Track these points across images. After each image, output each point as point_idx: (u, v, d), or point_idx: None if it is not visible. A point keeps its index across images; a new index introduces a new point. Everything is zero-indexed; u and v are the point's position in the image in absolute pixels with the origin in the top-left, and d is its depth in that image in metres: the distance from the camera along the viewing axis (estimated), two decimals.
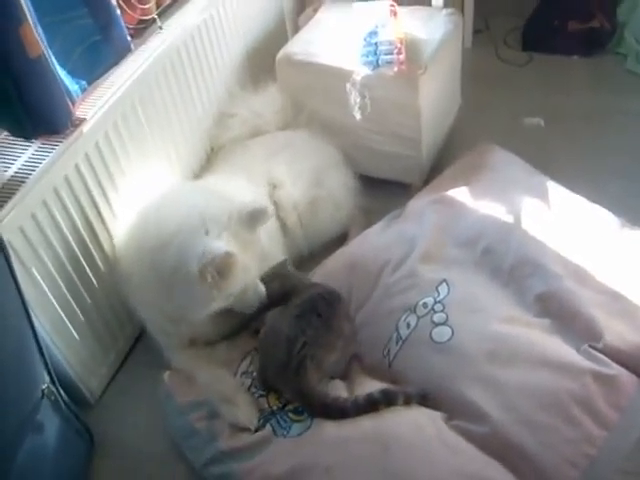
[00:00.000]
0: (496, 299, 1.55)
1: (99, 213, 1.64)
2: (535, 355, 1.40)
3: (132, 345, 1.83)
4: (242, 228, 1.52)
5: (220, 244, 1.44)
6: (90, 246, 1.63)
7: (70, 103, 1.39)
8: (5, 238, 1.34)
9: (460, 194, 1.79)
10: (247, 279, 1.52)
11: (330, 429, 1.35)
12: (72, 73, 1.45)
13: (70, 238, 1.56)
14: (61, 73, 1.38)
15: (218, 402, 1.48)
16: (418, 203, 1.86)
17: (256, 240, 1.58)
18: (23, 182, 1.42)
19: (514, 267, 1.58)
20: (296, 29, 2.40)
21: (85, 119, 1.52)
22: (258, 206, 1.55)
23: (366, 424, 1.34)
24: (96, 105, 1.57)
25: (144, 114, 1.74)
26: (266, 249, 1.68)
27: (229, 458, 1.40)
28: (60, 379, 1.53)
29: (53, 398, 1.44)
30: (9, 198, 1.38)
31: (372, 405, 1.34)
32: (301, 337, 1.40)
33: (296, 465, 1.32)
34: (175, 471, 1.53)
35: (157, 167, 1.83)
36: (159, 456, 1.58)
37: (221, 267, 1.42)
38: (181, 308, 1.51)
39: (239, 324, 1.64)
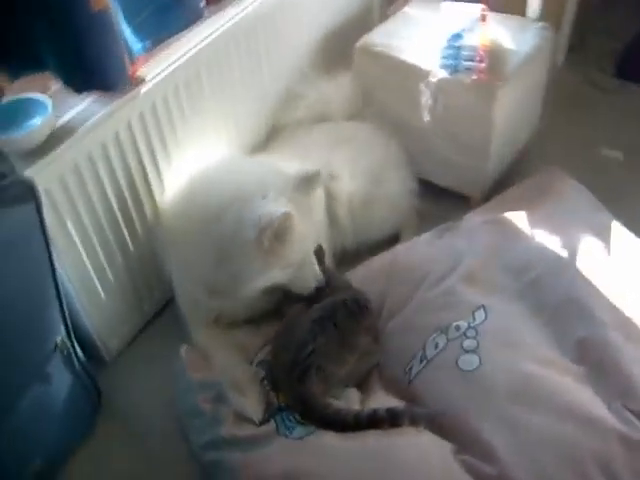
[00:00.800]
0: (534, 336, 1.46)
1: (145, 176, 1.62)
2: (563, 404, 1.31)
3: (157, 312, 1.81)
4: (299, 194, 1.49)
5: (278, 206, 1.41)
6: (131, 208, 1.62)
7: (129, 62, 1.37)
8: (44, 186, 1.34)
9: (518, 218, 1.70)
10: (304, 250, 1.50)
11: (332, 439, 1.29)
12: (137, 32, 1.42)
13: (111, 197, 1.54)
14: (125, 31, 1.35)
15: (228, 387, 1.44)
16: (474, 219, 1.78)
17: (312, 209, 1.56)
18: (73, 133, 1.40)
19: (559, 305, 1.49)
20: (383, 19, 2.31)
21: (144, 80, 1.49)
22: (312, 170, 1.54)
23: (370, 441, 1.28)
24: (159, 67, 1.54)
25: (208, 83, 1.70)
26: None
27: (227, 446, 1.36)
28: (79, 334, 1.54)
29: (66, 352, 1.43)
30: (56, 146, 1.37)
31: (375, 422, 1.28)
32: (311, 344, 1.35)
33: (292, 469, 1.27)
34: (176, 448, 1.51)
35: (213, 139, 1.80)
36: (163, 430, 1.56)
37: (279, 230, 1.39)
38: (233, 279, 1.46)
39: (270, 308, 1.60)
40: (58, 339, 1.40)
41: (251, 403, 1.40)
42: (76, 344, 1.49)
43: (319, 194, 1.74)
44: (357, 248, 1.91)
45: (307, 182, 1.53)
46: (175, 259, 1.60)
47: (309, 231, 1.51)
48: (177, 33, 1.55)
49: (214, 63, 1.70)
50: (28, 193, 1.18)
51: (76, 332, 1.51)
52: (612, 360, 1.37)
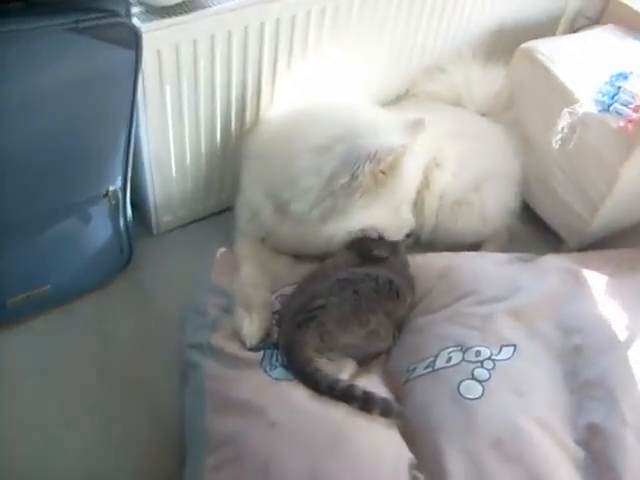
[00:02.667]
0: (549, 398, 1.37)
1: (259, 82, 1.61)
2: (541, 475, 1.23)
3: (217, 212, 1.84)
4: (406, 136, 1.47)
5: (394, 140, 1.42)
6: (233, 106, 1.61)
7: None
8: (157, 47, 1.36)
9: (597, 280, 1.58)
10: (406, 190, 1.52)
11: (303, 396, 1.27)
12: None
13: (217, 86, 1.54)
14: None
15: (238, 303, 1.44)
16: (553, 262, 1.67)
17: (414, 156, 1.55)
18: (205, 7, 1.41)
19: (589, 382, 1.38)
20: (567, 31, 2.19)
21: None
22: (416, 117, 1.52)
23: (336, 415, 1.24)
24: None
25: (358, 15, 1.64)
26: None
27: (210, 353, 1.37)
28: (137, 196, 1.58)
29: (114, 203, 1.48)
30: (184, 13, 1.38)
31: (347, 398, 1.24)
32: (324, 299, 1.33)
33: (253, 402, 1.27)
34: (174, 336, 1.53)
35: (341, 76, 1.76)
36: (172, 315, 1.59)
37: (395, 162, 1.40)
38: (329, 211, 1.44)
39: (317, 254, 1.58)
40: (111, 188, 1.45)
41: (251, 327, 1.40)
42: (128, 202, 1.53)
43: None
44: (431, 243, 1.84)
45: (415, 126, 1.50)
46: (256, 171, 1.60)
47: (411, 177, 1.53)
48: None
49: None
50: (132, 40, 1.20)
51: (134, 194, 1.56)
52: (613, 458, 1.26)
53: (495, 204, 1.85)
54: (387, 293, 1.40)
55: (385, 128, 1.47)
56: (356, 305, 1.35)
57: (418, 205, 1.80)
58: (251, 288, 1.48)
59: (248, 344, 1.38)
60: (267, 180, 1.55)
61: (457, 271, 1.61)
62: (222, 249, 1.58)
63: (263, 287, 1.51)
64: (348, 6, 1.61)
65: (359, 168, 1.39)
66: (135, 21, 1.29)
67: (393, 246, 1.53)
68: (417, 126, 1.50)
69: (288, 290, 1.50)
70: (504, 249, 1.79)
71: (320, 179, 1.42)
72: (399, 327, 1.48)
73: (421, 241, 1.83)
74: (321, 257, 1.55)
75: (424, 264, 1.64)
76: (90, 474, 1.36)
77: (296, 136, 1.49)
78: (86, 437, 1.41)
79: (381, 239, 1.53)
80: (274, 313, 1.45)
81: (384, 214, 1.49)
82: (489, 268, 1.65)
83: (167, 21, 1.36)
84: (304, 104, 1.61)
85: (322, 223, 1.46)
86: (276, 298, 1.50)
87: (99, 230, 1.50)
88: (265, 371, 1.33)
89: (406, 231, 1.55)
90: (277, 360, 1.35)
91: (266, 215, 1.56)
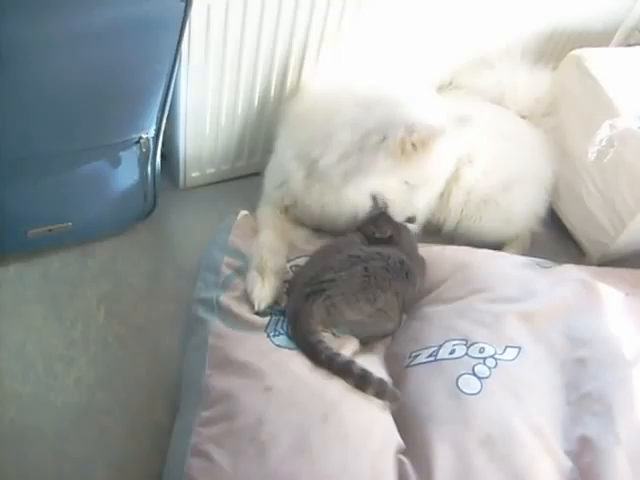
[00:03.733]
0: (545, 406, 1.36)
1: (304, 49, 1.61)
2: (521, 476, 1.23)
3: (246, 175, 1.84)
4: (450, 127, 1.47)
5: (435, 118, 1.43)
6: (275, 70, 1.62)
7: None
8: (208, 2, 1.36)
9: (610, 297, 1.56)
10: (427, 175, 1.52)
11: (300, 365, 1.28)
12: None
13: (262, 48, 1.55)
14: None
15: (252, 266, 1.45)
16: (571, 272, 1.65)
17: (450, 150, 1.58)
18: None
19: (588, 395, 1.37)
20: (622, 44, 2.16)
21: None
22: (465, 113, 1.54)
23: (332, 389, 1.25)
24: None
25: None
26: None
27: (218, 311, 1.39)
28: (168, 148, 1.59)
29: (145, 150, 1.49)
30: None
31: (343, 372, 1.25)
32: (334, 273, 1.33)
33: (254, 365, 1.28)
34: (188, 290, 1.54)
35: (386, 57, 1.74)
36: (185, 273, 1.61)
37: (426, 139, 1.41)
38: (352, 170, 1.46)
39: (334, 230, 1.59)
40: (144, 135, 1.46)
41: (261, 292, 1.40)
42: (159, 152, 1.55)
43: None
44: (452, 237, 1.84)
45: (461, 120, 1.51)
46: (293, 135, 1.58)
47: (439, 163, 1.52)
48: None
49: None
50: None
51: (166, 145, 1.58)
52: (602, 473, 1.25)
53: (521, 207, 1.84)
54: (397, 273, 1.40)
55: (431, 109, 1.48)
56: (365, 282, 1.35)
57: (444, 197, 1.79)
58: (268, 253, 1.48)
59: (257, 307, 1.39)
60: (302, 141, 1.54)
61: (474, 266, 1.60)
62: (243, 211, 1.59)
63: (280, 254, 1.51)
64: None
65: (393, 132, 1.40)
66: None
67: (397, 227, 1.53)
68: (464, 121, 1.51)
69: (302, 261, 1.51)
70: (525, 252, 1.78)
71: (354, 134, 1.44)
72: (406, 309, 1.48)
73: (442, 233, 1.83)
74: (339, 233, 1.56)
75: (441, 255, 1.63)
76: (83, 409, 1.39)
77: (341, 102, 1.49)
78: (83, 374, 1.44)
79: (385, 218, 1.53)
80: (285, 282, 1.46)
81: (396, 188, 1.50)
82: (506, 268, 1.64)
83: None
84: (350, 82, 1.59)
85: (343, 182, 1.48)
86: (290, 267, 1.51)
87: (126, 175, 1.52)
88: (268, 336, 1.34)
89: (409, 214, 1.55)
90: (282, 327, 1.36)
91: (296, 180, 1.56)
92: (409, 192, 1.53)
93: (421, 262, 1.52)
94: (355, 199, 1.52)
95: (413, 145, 1.41)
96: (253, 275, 1.43)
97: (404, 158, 1.43)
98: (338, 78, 1.60)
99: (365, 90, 1.51)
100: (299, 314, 1.32)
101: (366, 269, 1.36)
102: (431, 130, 1.40)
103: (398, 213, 1.54)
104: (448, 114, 1.49)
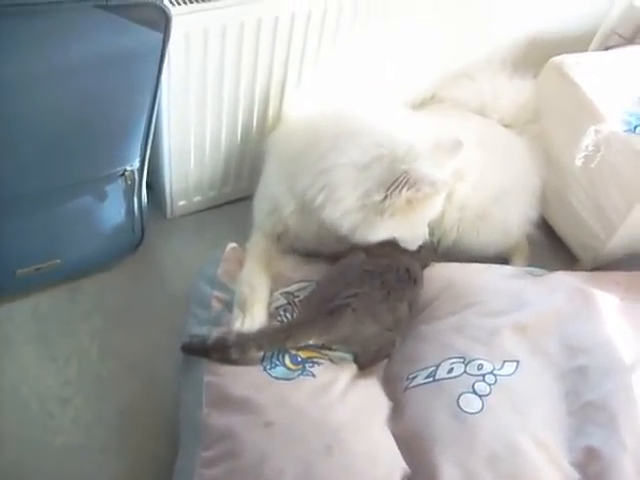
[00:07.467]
0: (548, 418, 1.36)
1: (284, 77, 1.60)
2: None
3: (233, 201, 1.83)
4: (439, 158, 1.45)
5: (438, 171, 1.41)
6: (256, 100, 1.61)
7: None
8: (185, 29, 1.36)
9: (605, 302, 1.56)
10: (433, 213, 1.52)
11: (300, 397, 1.26)
12: None
13: (243, 76, 1.53)
14: None
15: (235, 301, 1.43)
16: (563, 279, 1.64)
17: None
18: None
19: (590, 404, 1.37)
20: (600, 48, 2.16)
21: None
22: (454, 137, 1.49)
23: (332, 417, 1.24)
24: None
25: (388, 9, 1.61)
26: None
27: None
28: (153, 179, 1.58)
29: (130, 183, 1.47)
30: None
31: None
32: (357, 288, 1.36)
33: (253, 400, 1.26)
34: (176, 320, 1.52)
35: (368, 72, 1.74)
36: (176, 299, 1.58)
37: (429, 194, 1.40)
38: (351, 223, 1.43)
39: (329, 253, 1.56)
40: (129, 168, 1.45)
41: (242, 327, 1.37)
42: (144, 183, 1.53)
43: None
44: (451, 255, 1.78)
45: (452, 147, 1.47)
46: (282, 170, 1.56)
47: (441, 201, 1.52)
48: None
49: None
50: (161, 22, 1.20)
51: (151, 176, 1.56)
52: None
53: (516, 216, 1.82)
54: (406, 282, 1.45)
55: (425, 151, 1.43)
56: (384, 294, 1.38)
57: (438, 216, 1.77)
58: (248, 288, 1.45)
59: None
60: (292, 176, 1.51)
61: (464, 281, 1.59)
62: (232, 244, 1.56)
63: (262, 287, 1.48)
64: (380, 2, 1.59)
65: (395, 190, 1.38)
66: (166, 3, 1.28)
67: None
68: (455, 148, 1.48)
69: (293, 288, 1.50)
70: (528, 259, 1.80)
71: (354, 192, 1.41)
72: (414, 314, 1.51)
73: (438, 253, 1.79)
74: (333, 256, 1.54)
75: (431, 272, 1.62)
76: (82, 448, 1.38)
77: (329, 145, 1.44)
78: (80, 412, 1.43)
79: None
80: (277, 307, 1.44)
81: (405, 229, 1.48)
82: (496, 281, 1.63)
83: (198, 5, 1.36)
84: (333, 108, 1.57)
85: (350, 233, 1.45)
86: (281, 295, 1.49)
87: (113, 209, 1.50)
88: (265, 369, 1.32)
89: (420, 242, 1.54)
90: (278, 359, 1.34)
91: (288, 212, 1.54)
92: (416, 226, 1.51)
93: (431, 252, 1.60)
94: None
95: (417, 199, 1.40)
96: (235, 311, 1.41)
97: (411, 211, 1.42)
98: (323, 103, 1.59)
99: (348, 120, 1.48)
100: (334, 332, 1.34)
101: (382, 282, 1.39)
102: (435, 186, 1.38)
103: (411, 246, 1.53)
104: (438, 143, 1.46)
